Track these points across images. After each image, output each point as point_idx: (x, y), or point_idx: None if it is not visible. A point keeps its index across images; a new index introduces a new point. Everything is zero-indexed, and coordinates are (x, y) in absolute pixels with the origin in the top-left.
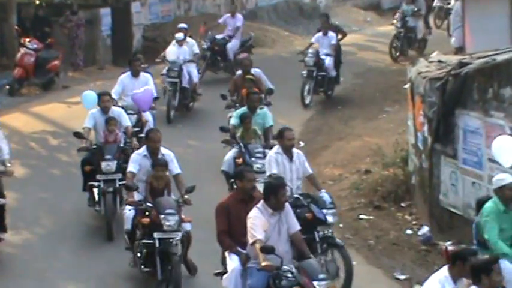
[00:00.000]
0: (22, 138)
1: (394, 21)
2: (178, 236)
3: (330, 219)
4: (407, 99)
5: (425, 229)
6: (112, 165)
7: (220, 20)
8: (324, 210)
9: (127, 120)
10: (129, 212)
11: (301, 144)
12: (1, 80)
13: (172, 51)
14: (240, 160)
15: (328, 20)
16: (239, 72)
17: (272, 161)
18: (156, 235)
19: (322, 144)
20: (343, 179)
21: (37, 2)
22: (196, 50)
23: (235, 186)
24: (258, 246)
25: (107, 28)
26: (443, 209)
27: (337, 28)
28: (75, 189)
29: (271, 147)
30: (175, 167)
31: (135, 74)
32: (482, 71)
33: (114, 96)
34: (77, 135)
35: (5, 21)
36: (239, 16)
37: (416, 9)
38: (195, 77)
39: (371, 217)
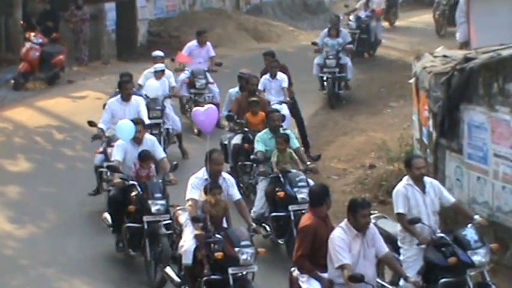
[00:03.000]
0: (27, 132)
1: (326, 61)
2: (254, 269)
3: (477, 259)
4: (412, 94)
5: None
6: (163, 205)
7: (184, 51)
8: (469, 252)
9: (161, 152)
10: (188, 245)
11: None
12: (6, 75)
13: (153, 87)
14: (281, 193)
15: (275, 57)
16: (235, 90)
17: (400, 196)
18: (231, 270)
19: (327, 139)
20: (348, 174)
21: None
22: (173, 82)
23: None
24: (346, 273)
25: (112, 23)
26: None
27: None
28: (79, 183)
29: (311, 170)
30: (235, 192)
31: (126, 98)
32: (487, 65)
33: (102, 126)
34: (112, 169)
35: (11, 16)
36: (209, 44)
37: (342, 42)
38: (178, 122)
39: (376, 212)
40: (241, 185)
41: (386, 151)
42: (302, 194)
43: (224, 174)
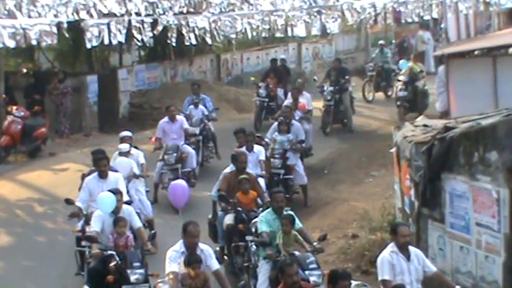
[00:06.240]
0: (8, 206)
1: (271, 159)
2: None
3: None
4: (393, 163)
5: None
6: (142, 274)
7: (159, 133)
8: None
9: (138, 221)
10: None
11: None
12: None
13: (122, 164)
14: None
15: (246, 133)
16: (230, 168)
17: (385, 263)
18: None
19: (309, 209)
20: (330, 244)
21: (24, 71)
22: (142, 160)
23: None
24: None
25: (94, 95)
26: None
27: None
28: (60, 256)
29: (318, 251)
30: (213, 262)
31: (103, 176)
32: (467, 135)
33: (79, 204)
34: (90, 239)
35: None
36: (180, 118)
37: (293, 138)
38: (149, 207)
39: (359, 282)
40: (235, 265)
41: (368, 220)
42: (314, 277)
43: (201, 245)
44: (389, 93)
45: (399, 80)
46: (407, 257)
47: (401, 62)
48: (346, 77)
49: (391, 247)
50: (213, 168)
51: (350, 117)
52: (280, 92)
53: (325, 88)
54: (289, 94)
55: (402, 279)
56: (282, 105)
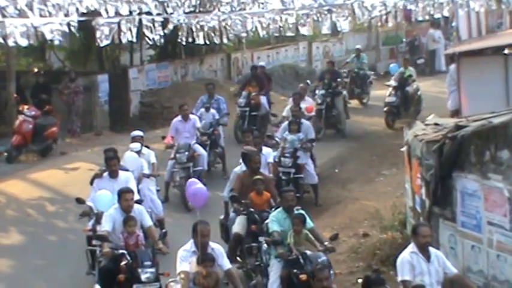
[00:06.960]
0: (20, 205)
1: (281, 158)
2: None
3: None
4: (404, 162)
5: None
6: (152, 273)
7: (172, 132)
8: None
9: (148, 220)
10: None
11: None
12: None
13: (131, 159)
14: (304, 276)
15: (253, 135)
16: (240, 167)
17: (405, 263)
18: None
19: (320, 208)
20: (341, 243)
21: (35, 70)
22: (154, 159)
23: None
24: None
25: (105, 94)
26: None
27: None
28: (71, 255)
29: (330, 250)
30: (225, 262)
31: (113, 175)
32: (478, 133)
33: (90, 203)
34: (100, 238)
35: (4, 89)
36: (193, 117)
37: (303, 137)
38: (160, 206)
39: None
40: (248, 267)
41: (379, 219)
42: None
43: (212, 245)
44: (365, 100)
45: (389, 85)
46: (428, 258)
47: (391, 65)
48: (339, 80)
49: (411, 247)
50: (220, 171)
51: (344, 122)
52: (263, 99)
53: (317, 91)
54: (291, 99)
55: (422, 280)
56: (266, 114)
